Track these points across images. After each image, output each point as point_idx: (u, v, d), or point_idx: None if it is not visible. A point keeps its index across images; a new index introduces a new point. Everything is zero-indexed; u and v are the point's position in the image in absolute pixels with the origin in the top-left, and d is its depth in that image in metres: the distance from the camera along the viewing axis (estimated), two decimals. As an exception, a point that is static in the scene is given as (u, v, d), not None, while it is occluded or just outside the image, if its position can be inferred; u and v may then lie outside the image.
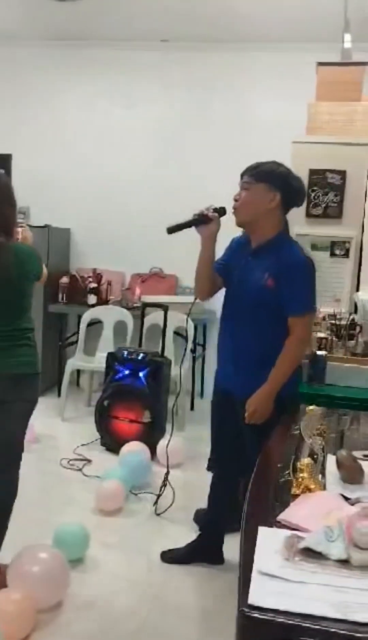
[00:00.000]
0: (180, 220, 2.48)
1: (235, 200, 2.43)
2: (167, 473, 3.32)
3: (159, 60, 5.55)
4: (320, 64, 3.59)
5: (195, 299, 2.74)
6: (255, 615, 1.12)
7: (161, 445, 4.01)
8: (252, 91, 5.39)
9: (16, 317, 2.46)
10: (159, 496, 3.36)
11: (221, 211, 2.48)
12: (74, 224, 5.85)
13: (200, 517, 3.15)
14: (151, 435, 4.04)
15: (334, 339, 3.24)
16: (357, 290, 3.43)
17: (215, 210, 2.47)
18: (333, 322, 3.28)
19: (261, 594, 1.16)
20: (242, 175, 2.44)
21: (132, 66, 5.62)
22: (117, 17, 4.94)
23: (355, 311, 3.36)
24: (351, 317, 3.28)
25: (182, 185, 5.51)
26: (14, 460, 2.51)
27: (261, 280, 2.37)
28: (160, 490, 3.36)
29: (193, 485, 3.59)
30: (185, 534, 3.00)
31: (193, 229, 2.50)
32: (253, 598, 1.15)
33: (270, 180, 2.37)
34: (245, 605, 1.13)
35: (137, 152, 5.69)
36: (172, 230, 2.46)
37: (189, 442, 4.09)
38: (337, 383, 3.08)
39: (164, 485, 3.33)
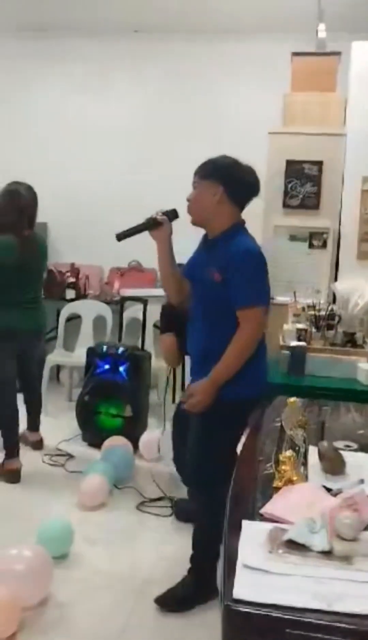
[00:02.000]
0: (130, 226, 2.43)
1: (188, 200, 2.41)
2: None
3: (132, 52, 5.50)
4: (295, 54, 3.60)
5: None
6: (240, 608, 1.12)
7: (143, 439, 4.02)
8: (228, 83, 5.37)
9: (39, 288, 3.66)
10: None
11: (170, 214, 2.43)
12: (50, 218, 5.78)
13: (180, 510, 3.17)
14: (133, 430, 4.03)
15: (313, 330, 3.26)
16: (335, 280, 3.45)
17: (165, 213, 2.43)
18: (312, 313, 3.30)
19: (245, 587, 1.16)
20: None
21: (105, 58, 5.58)
22: (89, 7, 4.88)
23: (334, 301, 3.38)
24: (330, 307, 3.29)
25: (158, 177, 5.49)
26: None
27: (209, 275, 2.32)
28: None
29: (176, 478, 3.60)
30: (168, 528, 3.01)
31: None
32: (238, 592, 1.15)
33: (211, 176, 2.33)
34: (229, 599, 1.13)
35: (111, 144, 5.65)
36: (120, 236, 2.42)
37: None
38: (316, 374, 3.10)
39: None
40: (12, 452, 3.64)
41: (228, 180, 2.31)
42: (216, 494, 2.37)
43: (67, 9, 4.95)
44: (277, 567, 1.23)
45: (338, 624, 1.10)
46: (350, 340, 3.22)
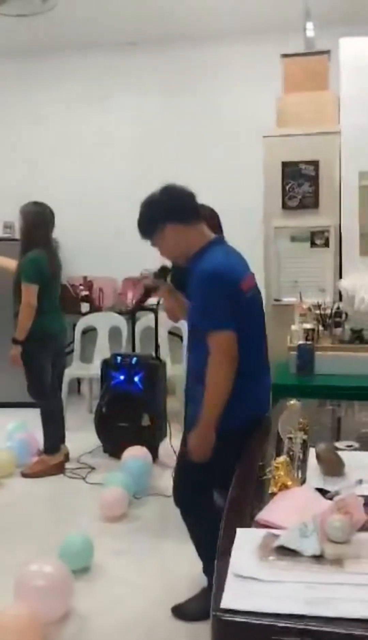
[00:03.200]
0: (136, 299, 2.52)
1: (163, 255, 2.36)
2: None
3: (129, 64, 5.56)
4: (284, 55, 3.61)
5: None
6: (229, 618, 1.14)
7: (163, 447, 4.04)
8: (221, 88, 5.39)
9: (59, 295, 4.10)
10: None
11: (160, 273, 2.44)
12: (60, 233, 5.84)
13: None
14: (152, 438, 4.06)
15: (321, 328, 3.27)
16: (340, 278, 3.44)
17: (155, 275, 2.45)
18: (318, 312, 3.30)
19: (235, 596, 1.18)
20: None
21: (103, 72, 5.65)
22: (85, 24, 4.96)
23: (340, 299, 3.38)
24: (336, 305, 3.29)
25: (161, 184, 5.53)
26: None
27: (188, 303, 2.31)
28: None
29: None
30: (188, 537, 3.01)
31: None
32: (227, 601, 1.16)
33: (154, 226, 2.24)
34: (218, 609, 1.15)
35: (115, 156, 5.71)
36: (134, 310, 2.51)
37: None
38: (326, 372, 3.10)
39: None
40: (57, 447, 4.01)
41: (163, 215, 2.23)
42: (195, 512, 2.42)
43: (63, 27, 5.02)
44: (266, 574, 1.24)
45: (326, 629, 1.11)
46: (358, 337, 3.23)
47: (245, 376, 2.17)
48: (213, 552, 1.38)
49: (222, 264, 2.19)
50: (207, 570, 2.47)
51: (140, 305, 2.55)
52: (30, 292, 3.74)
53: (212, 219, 2.85)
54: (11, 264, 4.00)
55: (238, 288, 2.18)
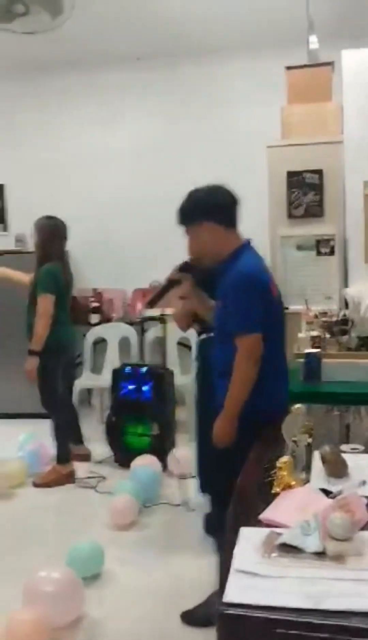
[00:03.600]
0: (157, 291, 2.55)
1: (190, 249, 2.41)
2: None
3: (135, 78, 5.65)
4: (288, 67, 3.66)
5: None
6: (231, 612, 1.16)
7: (172, 456, 4.06)
8: (227, 100, 5.45)
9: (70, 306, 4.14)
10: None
11: (185, 266, 2.47)
12: (71, 246, 5.92)
13: (210, 524, 3.18)
14: (161, 447, 4.09)
15: (327, 336, 3.28)
16: (346, 285, 3.47)
17: (180, 268, 2.48)
18: (325, 319, 3.32)
19: (237, 591, 1.20)
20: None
21: (110, 87, 5.74)
22: (89, 41, 5.05)
23: (346, 306, 3.40)
24: (342, 312, 3.31)
25: (170, 198, 5.57)
26: None
27: (218, 302, 2.35)
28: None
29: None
30: (198, 543, 3.03)
31: None
32: (229, 595, 1.19)
33: (192, 218, 2.31)
34: (221, 604, 1.18)
35: (125, 170, 5.79)
36: (152, 303, 2.54)
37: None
38: (333, 379, 3.11)
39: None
40: (68, 457, 4.06)
41: (208, 213, 2.28)
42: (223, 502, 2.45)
43: (71, 44, 5.11)
44: (268, 570, 1.27)
45: (326, 622, 1.13)
46: (365, 344, 3.23)
47: (268, 374, 2.25)
48: None
49: (256, 266, 2.28)
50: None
51: (158, 299, 2.52)
52: (47, 302, 3.82)
53: None
54: (25, 277, 4.06)
55: (269, 291, 2.27)
